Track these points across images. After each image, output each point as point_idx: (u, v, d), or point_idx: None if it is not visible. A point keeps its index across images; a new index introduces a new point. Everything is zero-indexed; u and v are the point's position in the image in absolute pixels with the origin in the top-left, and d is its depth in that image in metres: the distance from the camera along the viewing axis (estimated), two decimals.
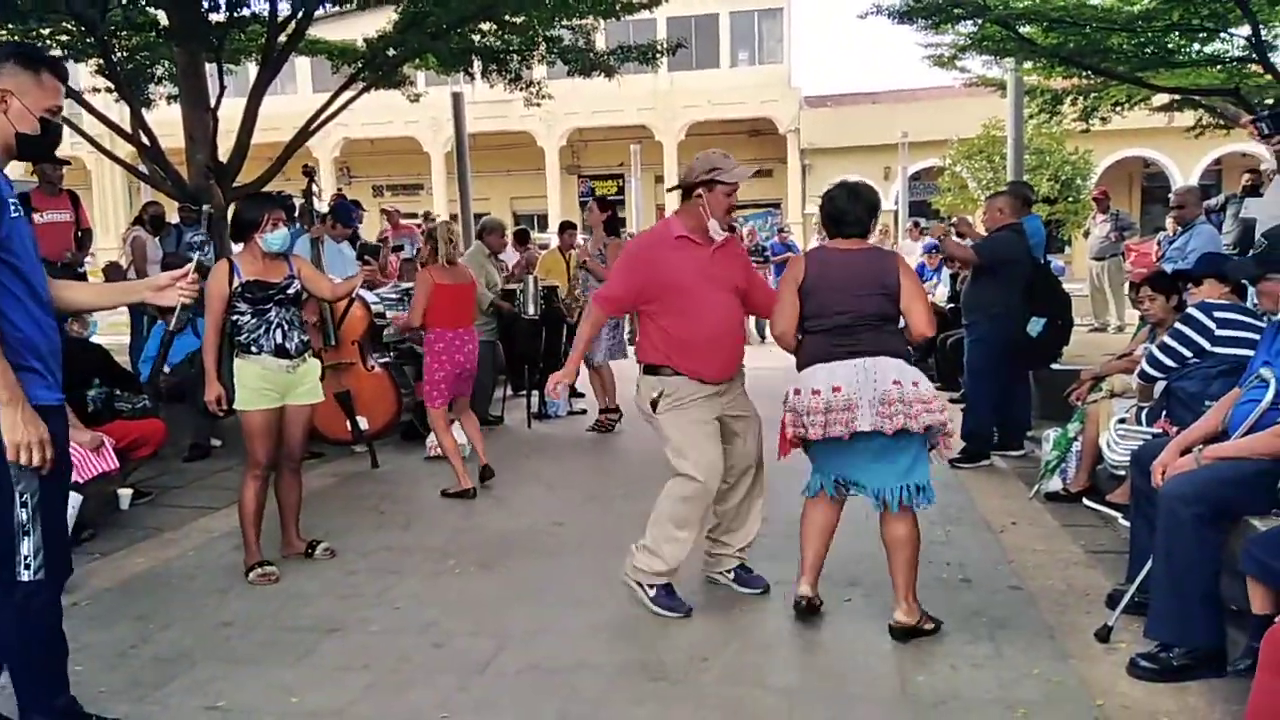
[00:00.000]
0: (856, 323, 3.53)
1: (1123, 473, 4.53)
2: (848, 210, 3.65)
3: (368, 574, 4.44)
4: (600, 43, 12.21)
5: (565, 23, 10.50)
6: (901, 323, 3.66)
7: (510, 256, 10.49)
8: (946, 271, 10.09)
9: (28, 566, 2.63)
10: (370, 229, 15.10)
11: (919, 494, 3.52)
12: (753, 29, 30.92)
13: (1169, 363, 4.29)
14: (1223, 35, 9.30)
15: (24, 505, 2.61)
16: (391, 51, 9.98)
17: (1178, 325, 4.30)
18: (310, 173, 6.99)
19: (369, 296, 7.08)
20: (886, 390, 3.43)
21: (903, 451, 3.50)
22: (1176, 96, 11.93)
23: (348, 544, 4.83)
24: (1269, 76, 9.29)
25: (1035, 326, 6.10)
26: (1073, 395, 5.50)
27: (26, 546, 2.62)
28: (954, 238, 7.02)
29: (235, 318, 4.31)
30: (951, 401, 7.96)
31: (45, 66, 2.70)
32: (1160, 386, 4.43)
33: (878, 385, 3.44)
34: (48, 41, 10.02)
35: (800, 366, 3.64)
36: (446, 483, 5.84)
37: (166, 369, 6.68)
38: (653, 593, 3.85)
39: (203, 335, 4.42)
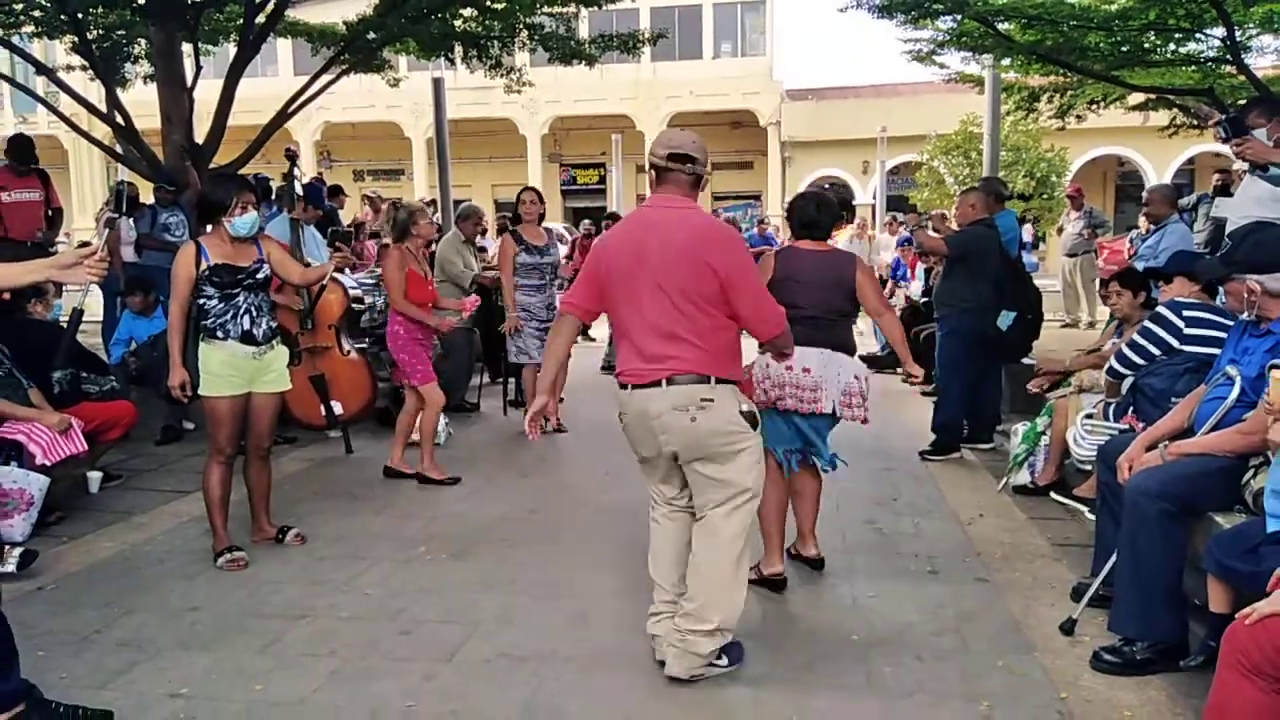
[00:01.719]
0: (821, 315, 3.90)
1: (1089, 467, 4.58)
2: (818, 219, 4.11)
3: (338, 560, 4.42)
4: (583, 31, 12.16)
5: (547, 9, 10.43)
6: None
7: (494, 244, 10.44)
8: (921, 267, 10.15)
9: None
10: (352, 214, 15.01)
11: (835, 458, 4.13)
12: (736, 21, 30.93)
13: (1138, 360, 4.33)
14: (1198, 36, 9.37)
15: None
16: (371, 35, 9.88)
17: (1147, 323, 4.34)
18: (293, 156, 6.91)
19: (347, 281, 7.03)
20: (849, 383, 3.94)
21: (825, 429, 4.04)
22: (1152, 96, 12.03)
23: (319, 530, 4.81)
24: (1243, 77, 9.38)
25: (1005, 320, 6.16)
26: (1030, 384, 5.58)
27: None
28: (931, 231, 7.07)
29: (202, 302, 4.25)
30: (924, 395, 8.03)
31: None
32: (1128, 382, 4.47)
33: (842, 377, 3.93)
34: (20, 17, 9.86)
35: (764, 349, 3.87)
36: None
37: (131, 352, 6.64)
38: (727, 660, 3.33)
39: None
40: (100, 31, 10.17)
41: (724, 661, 3.24)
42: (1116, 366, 4.46)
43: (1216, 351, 3.81)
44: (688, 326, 3.10)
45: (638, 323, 3.16)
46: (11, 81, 9.86)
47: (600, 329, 11.84)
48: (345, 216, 13.23)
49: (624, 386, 3.21)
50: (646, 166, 3.35)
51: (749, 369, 3.78)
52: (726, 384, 3.17)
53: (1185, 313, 4.19)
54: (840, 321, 4.01)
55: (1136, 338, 4.33)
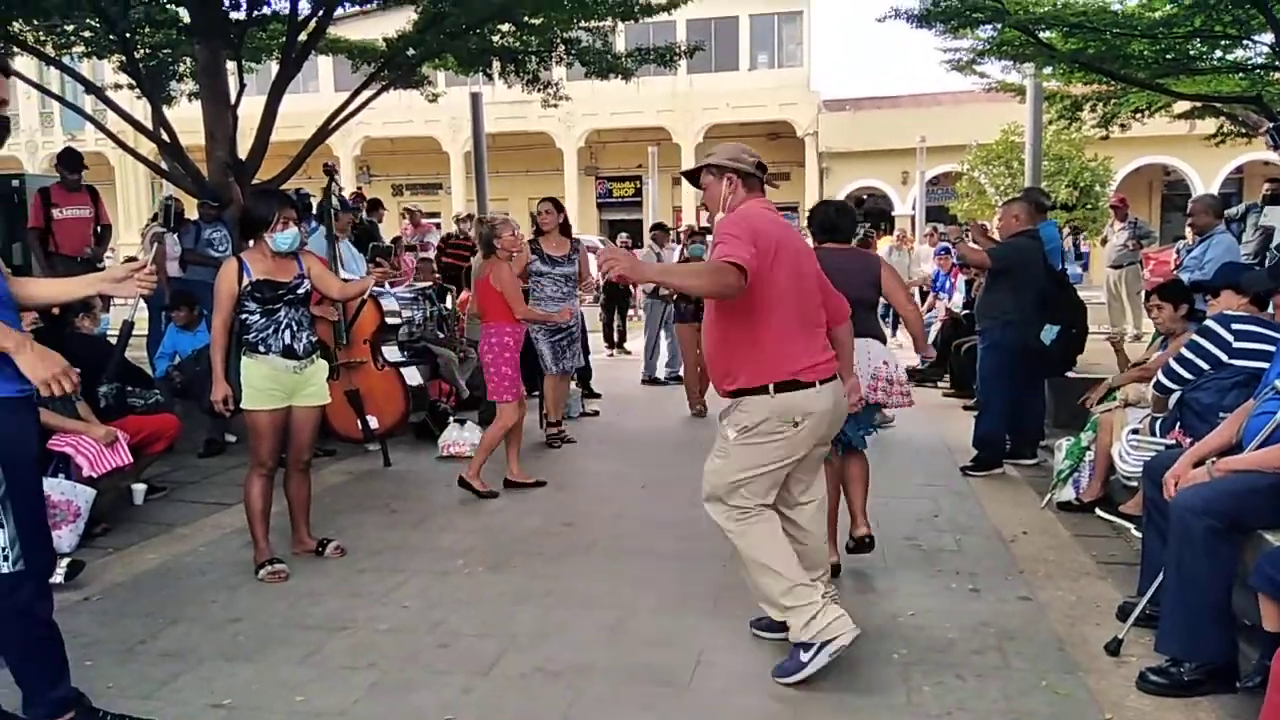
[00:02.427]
0: (854, 307, 3.95)
1: (1135, 483, 4.50)
2: (837, 223, 4.45)
3: (377, 573, 4.45)
4: (619, 44, 12.22)
5: (584, 24, 10.50)
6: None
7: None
8: (962, 278, 10.05)
9: (5, 558, 2.63)
10: (391, 228, 15.23)
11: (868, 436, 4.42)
12: (772, 32, 30.90)
13: (1185, 374, 4.25)
14: (1245, 42, 9.23)
15: None
16: (411, 51, 10.02)
17: (1195, 337, 4.26)
18: (331, 170, 6.99)
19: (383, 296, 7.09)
20: (878, 368, 4.26)
21: (865, 413, 4.26)
22: (1198, 104, 11.84)
23: (358, 542, 4.85)
24: None
25: (1049, 334, 6.05)
26: (1088, 401, 5.49)
27: (1, 538, 2.62)
28: (971, 243, 7.00)
29: (244, 317, 4.30)
30: (965, 409, 7.93)
31: None
32: (1175, 397, 4.39)
33: (872, 362, 4.24)
34: (71, 38, 10.11)
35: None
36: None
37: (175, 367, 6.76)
38: None
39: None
40: (147, 51, 10.41)
41: None
42: (1163, 380, 4.38)
43: (1266, 365, 3.72)
44: (822, 321, 3.48)
45: (801, 315, 3.33)
46: (61, 100, 10.12)
47: (636, 341, 11.84)
48: (384, 231, 13.41)
49: (811, 385, 3.28)
50: (731, 172, 3.39)
51: None
52: None
53: (1234, 326, 4.11)
54: (868, 312, 4.27)
55: (1184, 351, 4.26)
